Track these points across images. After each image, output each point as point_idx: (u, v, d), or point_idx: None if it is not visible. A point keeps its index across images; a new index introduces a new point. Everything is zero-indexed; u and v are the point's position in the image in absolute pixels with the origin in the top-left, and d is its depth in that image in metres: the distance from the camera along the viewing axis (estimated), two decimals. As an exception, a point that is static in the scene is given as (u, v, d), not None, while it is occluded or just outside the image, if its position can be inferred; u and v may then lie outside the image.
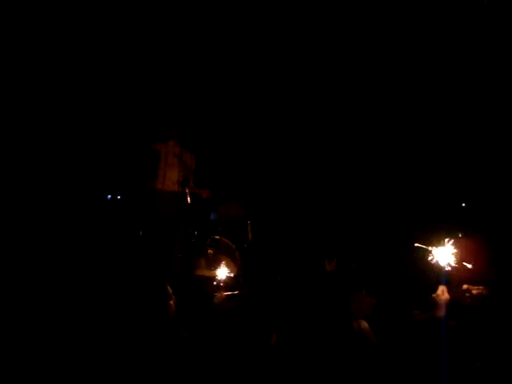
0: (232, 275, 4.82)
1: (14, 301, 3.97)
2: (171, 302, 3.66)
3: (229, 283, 4.60)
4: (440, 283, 3.44)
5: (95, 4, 5.44)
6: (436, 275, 3.51)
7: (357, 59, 6.02)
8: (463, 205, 5.72)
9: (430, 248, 3.49)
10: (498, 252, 3.83)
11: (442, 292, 3.36)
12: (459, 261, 3.43)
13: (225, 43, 5.92)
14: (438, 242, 3.50)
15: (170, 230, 5.01)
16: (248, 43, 5.91)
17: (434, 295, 3.41)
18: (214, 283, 4.53)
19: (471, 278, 3.46)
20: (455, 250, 3.43)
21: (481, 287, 3.35)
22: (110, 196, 6.57)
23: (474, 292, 3.36)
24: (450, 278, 3.45)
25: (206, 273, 4.88)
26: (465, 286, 3.39)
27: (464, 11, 5.36)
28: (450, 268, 3.43)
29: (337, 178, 6.27)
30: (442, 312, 3.34)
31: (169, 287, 3.82)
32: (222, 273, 4.58)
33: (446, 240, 3.45)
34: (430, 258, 3.48)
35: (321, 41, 5.90)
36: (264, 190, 6.22)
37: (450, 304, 3.35)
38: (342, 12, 5.61)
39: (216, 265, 4.96)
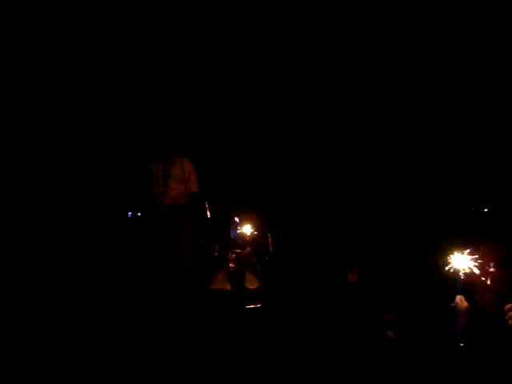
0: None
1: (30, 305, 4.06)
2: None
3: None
4: (459, 291, 3.41)
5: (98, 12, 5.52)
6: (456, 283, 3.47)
7: (357, 59, 6.02)
8: (485, 210, 5.65)
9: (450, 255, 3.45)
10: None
11: (460, 301, 3.32)
12: (481, 267, 3.39)
13: (224, 47, 5.97)
14: (456, 248, 3.47)
15: (184, 243, 5.01)
16: (248, 46, 5.95)
17: (452, 304, 3.37)
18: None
19: (495, 285, 3.41)
20: (476, 256, 3.39)
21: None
22: (130, 213, 6.62)
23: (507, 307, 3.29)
24: (472, 286, 3.41)
25: (221, 286, 4.89)
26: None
27: (464, 11, 5.36)
28: (470, 275, 3.38)
29: (357, 189, 6.24)
30: (463, 321, 3.29)
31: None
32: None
33: (465, 246, 3.42)
34: (449, 266, 3.45)
35: (321, 41, 5.92)
36: (285, 202, 6.22)
37: (473, 312, 3.31)
38: (342, 12, 5.64)
39: (238, 278, 4.98)
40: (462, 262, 3.31)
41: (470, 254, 3.33)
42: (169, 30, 5.83)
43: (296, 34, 5.90)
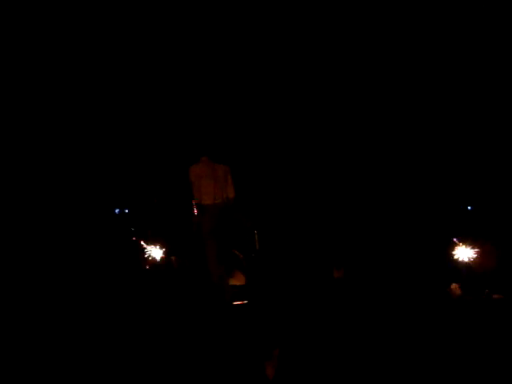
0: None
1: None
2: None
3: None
4: (457, 279, 3.49)
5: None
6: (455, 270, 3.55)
7: (357, 59, 6.03)
8: (469, 208, 5.69)
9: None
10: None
11: (455, 288, 3.42)
12: (479, 259, 3.48)
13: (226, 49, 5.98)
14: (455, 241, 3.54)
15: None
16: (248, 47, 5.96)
17: (447, 290, 3.46)
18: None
19: (490, 277, 3.49)
20: (476, 249, 3.49)
21: (503, 296, 3.39)
22: (118, 210, 6.63)
23: (495, 297, 3.39)
24: (469, 276, 3.49)
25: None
26: (487, 291, 3.43)
27: (464, 11, 5.37)
28: (469, 265, 3.48)
29: (344, 185, 6.25)
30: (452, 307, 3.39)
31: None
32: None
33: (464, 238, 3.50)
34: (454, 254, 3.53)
35: (321, 41, 5.93)
36: (270, 198, 6.22)
37: (466, 302, 3.39)
38: (342, 12, 5.64)
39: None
40: (465, 253, 3.41)
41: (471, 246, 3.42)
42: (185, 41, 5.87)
43: (296, 35, 5.91)
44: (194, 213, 4.97)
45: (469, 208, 5.63)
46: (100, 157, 6.33)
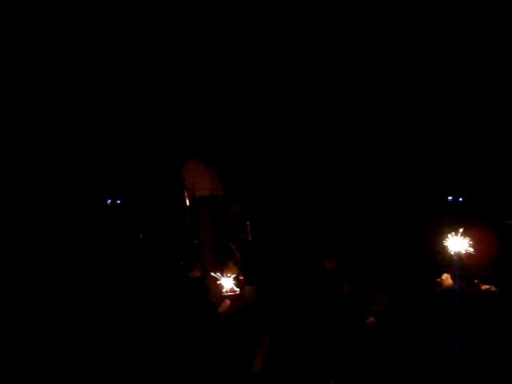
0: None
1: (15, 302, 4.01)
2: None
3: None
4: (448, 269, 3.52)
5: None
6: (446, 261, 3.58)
7: (357, 59, 6.02)
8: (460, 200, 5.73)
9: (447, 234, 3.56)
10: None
11: (446, 278, 3.45)
12: (471, 249, 3.51)
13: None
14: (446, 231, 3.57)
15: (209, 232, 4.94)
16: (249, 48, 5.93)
17: (438, 279, 3.49)
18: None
19: (481, 268, 3.52)
20: (468, 239, 3.51)
21: (492, 286, 3.42)
22: (109, 201, 6.60)
23: (483, 288, 3.42)
24: (461, 266, 3.52)
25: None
26: (476, 281, 3.46)
27: (464, 11, 5.36)
28: (461, 256, 3.50)
29: (335, 175, 6.27)
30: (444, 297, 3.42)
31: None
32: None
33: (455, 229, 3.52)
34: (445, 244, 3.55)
35: (321, 41, 5.90)
36: (263, 190, 6.23)
37: (454, 292, 3.42)
38: (342, 12, 5.61)
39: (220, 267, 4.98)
40: (456, 243, 3.44)
41: (464, 236, 3.45)
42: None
43: (296, 35, 5.87)
44: (186, 205, 4.98)
45: (460, 200, 5.68)
46: (90, 148, 6.29)
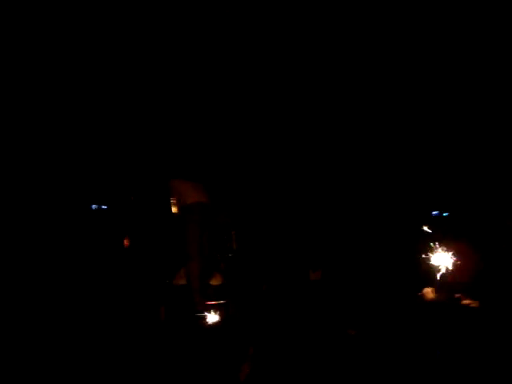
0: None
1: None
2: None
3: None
4: (429, 283, 3.57)
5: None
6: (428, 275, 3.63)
7: (357, 59, 6.05)
8: (444, 214, 5.80)
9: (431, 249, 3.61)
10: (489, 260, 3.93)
11: (427, 292, 3.51)
12: (454, 264, 3.56)
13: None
14: (430, 246, 3.62)
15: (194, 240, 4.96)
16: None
17: (419, 294, 3.55)
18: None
19: (464, 283, 3.57)
20: (451, 254, 3.57)
21: (473, 301, 3.47)
22: (94, 206, 6.55)
23: (464, 302, 3.48)
24: (443, 281, 3.57)
25: (183, 282, 4.89)
26: (457, 295, 3.52)
27: (464, 11, 5.43)
28: (444, 271, 3.56)
29: (321, 187, 6.30)
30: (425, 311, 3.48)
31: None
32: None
33: (439, 244, 3.58)
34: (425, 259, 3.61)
35: (321, 41, 5.93)
36: (248, 199, 6.24)
37: (436, 305, 3.47)
38: (342, 12, 5.65)
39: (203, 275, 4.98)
40: (439, 258, 3.50)
41: (447, 251, 3.51)
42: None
43: (296, 35, 5.91)
44: (172, 213, 4.98)
45: (444, 214, 5.75)
46: (78, 152, 6.25)
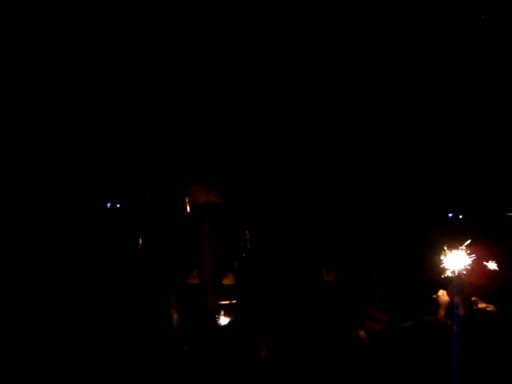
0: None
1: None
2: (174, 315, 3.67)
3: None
4: (445, 286, 3.53)
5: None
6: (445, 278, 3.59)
7: (356, 59, 6.03)
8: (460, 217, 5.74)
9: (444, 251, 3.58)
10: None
11: (443, 294, 3.47)
12: (470, 267, 3.52)
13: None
14: (447, 247, 3.58)
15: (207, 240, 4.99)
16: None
17: (434, 296, 3.51)
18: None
19: (481, 287, 3.53)
20: (468, 256, 3.53)
21: (489, 305, 3.42)
22: (109, 204, 6.58)
23: (480, 306, 3.43)
24: (459, 283, 3.53)
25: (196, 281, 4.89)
26: (474, 298, 3.47)
27: (463, 11, 5.39)
28: (461, 273, 3.52)
29: (335, 187, 6.28)
30: (442, 312, 3.44)
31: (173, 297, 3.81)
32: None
33: (459, 246, 3.54)
34: (441, 261, 3.57)
35: (320, 41, 5.92)
36: (263, 199, 6.23)
37: (452, 307, 3.43)
38: (342, 12, 5.64)
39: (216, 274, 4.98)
40: (456, 260, 3.46)
41: (466, 253, 3.46)
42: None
43: (296, 35, 5.90)
44: (186, 212, 4.99)
45: (460, 217, 5.69)
46: (91, 150, 6.28)
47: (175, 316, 4.31)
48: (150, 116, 6.26)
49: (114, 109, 6.22)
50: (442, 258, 3.66)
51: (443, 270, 3.64)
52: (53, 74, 5.80)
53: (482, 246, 3.80)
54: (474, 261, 3.55)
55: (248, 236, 5.64)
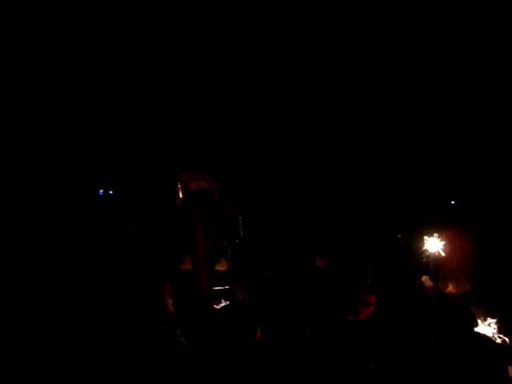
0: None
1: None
2: (169, 300, 3.67)
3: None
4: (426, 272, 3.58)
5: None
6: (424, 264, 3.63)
7: (356, 59, 6.02)
8: (452, 202, 5.78)
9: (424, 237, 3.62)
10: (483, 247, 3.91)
11: (426, 279, 3.52)
12: (447, 251, 3.56)
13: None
14: (425, 233, 3.62)
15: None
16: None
17: (418, 282, 3.55)
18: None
19: (458, 270, 3.56)
20: (444, 241, 3.57)
21: (466, 287, 3.45)
22: (102, 191, 6.57)
23: (456, 290, 3.45)
24: (438, 268, 3.57)
25: (189, 267, 4.91)
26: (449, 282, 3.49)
27: (463, 11, 5.38)
28: (438, 258, 3.56)
29: (325, 173, 6.30)
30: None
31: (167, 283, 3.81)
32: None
33: (433, 232, 3.58)
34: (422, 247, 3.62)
35: (320, 41, 5.91)
36: (255, 185, 6.24)
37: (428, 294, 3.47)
38: (342, 12, 5.62)
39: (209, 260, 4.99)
40: (433, 245, 3.51)
41: (440, 238, 3.51)
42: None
43: (296, 35, 5.87)
44: (179, 198, 5.00)
45: (452, 203, 5.72)
46: (84, 138, 6.25)
47: (170, 301, 4.33)
48: (142, 105, 6.24)
49: (106, 98, 6.20)
50: (424, 243, 3.72)
51: (424, 256, 3.70)
52: (40, 64, 5.76)
53: (458, 229, 3.85)
54: (451, 245, 3.61)
55: (241, 222, 5.65)
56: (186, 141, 5.72)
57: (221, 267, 5.11)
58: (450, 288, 3.42)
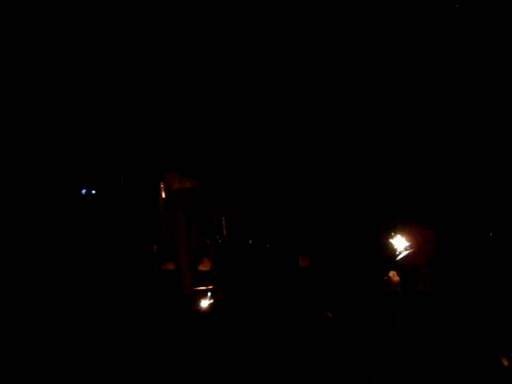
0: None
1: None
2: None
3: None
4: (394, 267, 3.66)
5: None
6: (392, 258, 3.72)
7: (356, 59, 6.05)
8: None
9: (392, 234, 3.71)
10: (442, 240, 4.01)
11: (393, 275, 3.60)
12: (412, 246, 3.66)
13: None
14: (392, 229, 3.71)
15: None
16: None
17: (385, 277, 3.64)
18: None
19: (420, 267, 3.65)
20: (409, 236, 3.67)
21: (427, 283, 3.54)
22: (84, 191, 6.51)
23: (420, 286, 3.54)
24: (404, 262, 3.66)
25: (172, 267, 4.91)
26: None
27: (463, 11, 5.43)
28: (405, 253, 3.66)
29: (308, 173, 6.31)
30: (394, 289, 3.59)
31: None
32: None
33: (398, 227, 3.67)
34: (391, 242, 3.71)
35: (320, 41, 5.92)
36: (238, 185, 6.24)
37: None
38: (342, 12, 5.64)
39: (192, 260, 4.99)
40: (399, 242, 3.63)
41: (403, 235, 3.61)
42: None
43: (296, 35, 5.88)
44: (161, 197, 4.99)
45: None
46: (66, 137, 6.20)
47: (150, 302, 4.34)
48: (126, 104, 6.20)
49: (89, 96, 6.15)
50: (391, 241, 3.82)
51: (392, 252, 3.79)
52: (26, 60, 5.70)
53: (420, 226, 3.93)
54: (413, 241, 3.70)
55: (224, 222, 5.65)
56: (170, 140, 5.70)
57: (204, 267, 5.11)
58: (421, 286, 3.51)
